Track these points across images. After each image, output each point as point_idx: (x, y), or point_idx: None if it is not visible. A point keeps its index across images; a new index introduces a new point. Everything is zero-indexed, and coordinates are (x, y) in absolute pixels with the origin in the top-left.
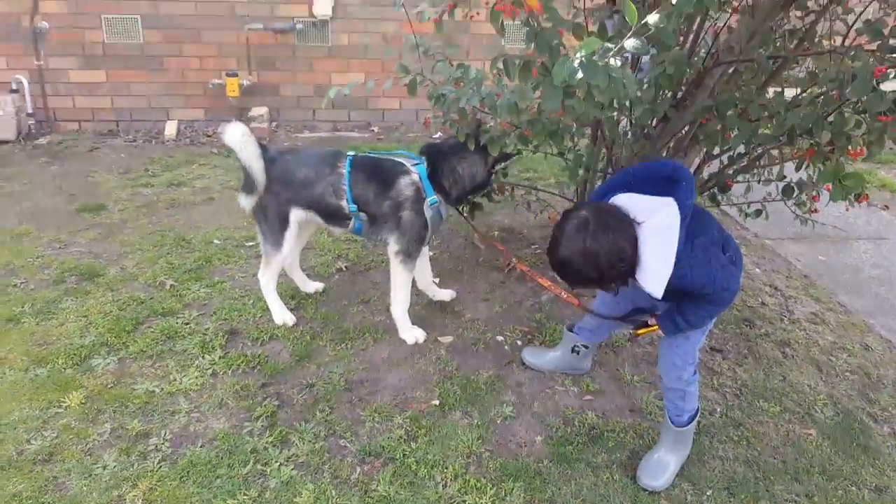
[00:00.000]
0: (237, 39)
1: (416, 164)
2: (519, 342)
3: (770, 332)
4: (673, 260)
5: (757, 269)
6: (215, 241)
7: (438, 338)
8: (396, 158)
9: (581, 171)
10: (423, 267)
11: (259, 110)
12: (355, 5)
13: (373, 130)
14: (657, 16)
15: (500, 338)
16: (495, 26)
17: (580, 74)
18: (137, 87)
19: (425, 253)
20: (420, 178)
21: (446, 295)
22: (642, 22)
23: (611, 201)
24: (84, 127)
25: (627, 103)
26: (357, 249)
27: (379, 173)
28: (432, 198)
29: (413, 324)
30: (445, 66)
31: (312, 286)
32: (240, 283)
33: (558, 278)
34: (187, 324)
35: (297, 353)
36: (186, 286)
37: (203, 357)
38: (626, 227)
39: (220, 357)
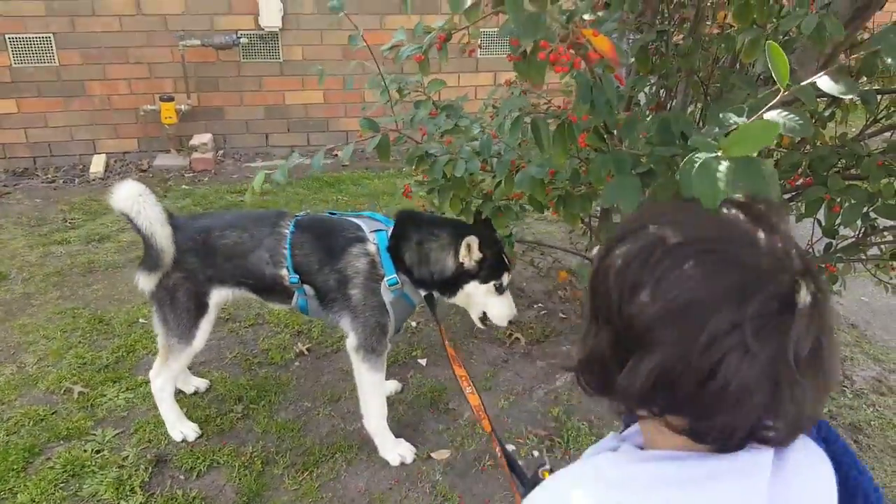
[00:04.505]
0: (172, 57)
1: (379, 230)
2: (535, 452)
3: (835, 412)
4: None
5: None
6: (140, 321)
7: (431, 454)
8: (355, 220)
9: None
10: None
11: (202, 138)
12: (308, 14)
13: (336, 156)
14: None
15: (510, 447)
16: (534, 80)
17: (722, 180)
18: (55, 118)
19: None
20: (378, 250)
21: (392, 386)
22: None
23: None
24: None
25: None
26: (321, 324)
27: (327, 237)
28: (391, 277)
29: (397, 434)
30: (426, 110)
31: (194, 384)
32: None
33: None
34: (99, 451)
35: (245, 489)
36: (100, 392)
37: None
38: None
39: None
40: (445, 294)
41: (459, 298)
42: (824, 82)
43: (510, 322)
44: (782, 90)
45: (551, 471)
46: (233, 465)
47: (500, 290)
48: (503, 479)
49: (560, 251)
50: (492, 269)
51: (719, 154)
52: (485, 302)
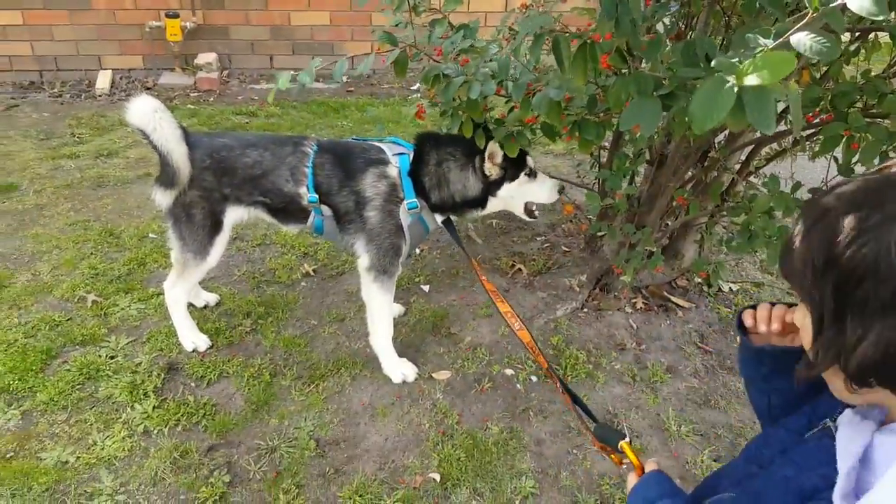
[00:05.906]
0: None
1: (401, 154)
2: (533, 378)
3: None
4: None
5: None
6: (150, 235)
7: (432, 374)
8: (378, 144)
9: (624, 185)
10: None
11: (207, 57)
12: None
13: (344, 80)
14: None
15: (509, 371)
16: None
17: (725, 106)
18: (61, 31)
19: None
20: (399, 174)
21: (397, 309)
22: None
23: None
24: (1, 78)
25: None
26: (327, 246)
27: (348, 159)
28: (411, 201)
29: (400, 355)
30: (442, 28)
31: (204, 298)
32: None
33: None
34: (113, 357)
35: (254, 398)
36: (113, 301)
37: (132, 407)
38: None
39: (153, 407)
40: (476, 210)
41: (496, 205)
42: (854, 3)
43: (560, 191)
44: (811, 12)
45: (630, 443)
46: (242, 376)
47: (532, 174)
48: (501, 401)
49: (566, 184)
50: (513, 163)
51: (732, 81)
52: (525, 193)
